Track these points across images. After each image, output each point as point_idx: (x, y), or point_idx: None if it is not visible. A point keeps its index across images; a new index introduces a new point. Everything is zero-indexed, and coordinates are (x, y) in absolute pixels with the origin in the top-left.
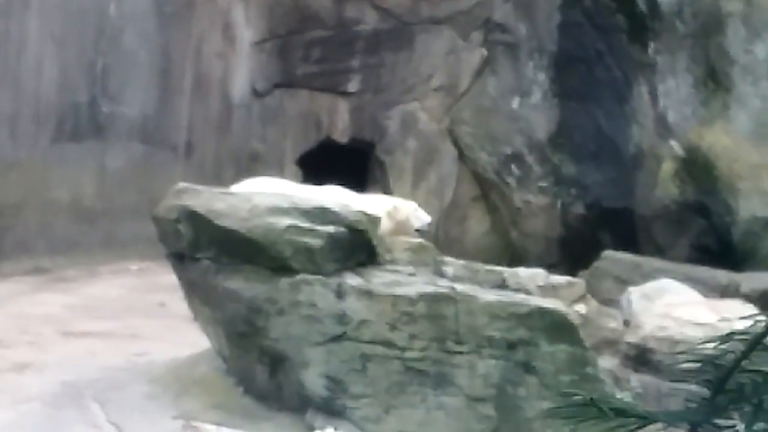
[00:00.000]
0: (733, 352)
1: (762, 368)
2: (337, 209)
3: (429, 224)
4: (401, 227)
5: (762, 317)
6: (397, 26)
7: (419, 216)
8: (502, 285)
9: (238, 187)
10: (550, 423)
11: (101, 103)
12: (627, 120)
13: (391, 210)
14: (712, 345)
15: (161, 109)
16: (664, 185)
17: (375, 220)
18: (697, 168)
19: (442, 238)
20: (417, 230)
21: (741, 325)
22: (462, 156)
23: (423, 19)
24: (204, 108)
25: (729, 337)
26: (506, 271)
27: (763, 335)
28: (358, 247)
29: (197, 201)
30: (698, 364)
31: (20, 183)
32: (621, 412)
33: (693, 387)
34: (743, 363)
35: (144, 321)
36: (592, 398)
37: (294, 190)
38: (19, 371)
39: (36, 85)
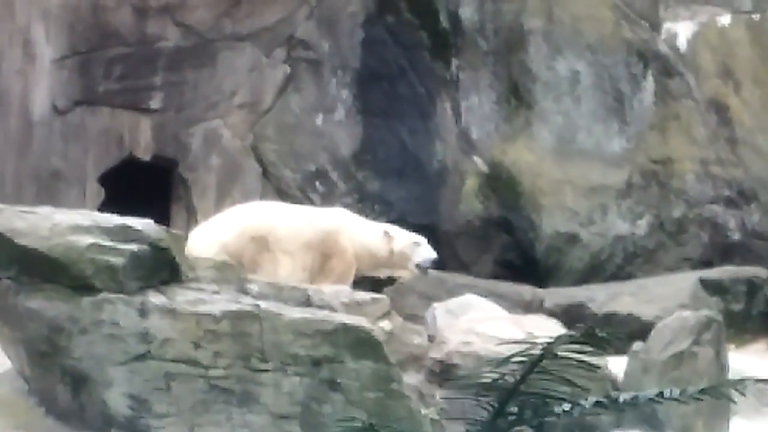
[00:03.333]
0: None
1: (542, 390)
2: (139, 227)
3: (433, 261)
4: (398, 259)
5: (542, 340)
6: (199, 43)
7: (421, 252)
8: (307, 302)
9: (228, 212)
10: None
11: None
12: (431, 136)
13: (384, 237)
14: (491, 368)
15: None
16: (468, 201)
17: (178, 238)
18: (501, 184)
19: None
20: (417, 266)
21: (544, 340)
22: (266, 173)
23: (226, 36)
24: (3, 126)
25: (508, 359)
26: (310, 288)
27: (540, 359)
28: (161, 265)
29: None
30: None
31: None
32: None
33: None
34: (523, 386)
35: None
36: (371, 424)
37: (290, 212)
38: None
39: None
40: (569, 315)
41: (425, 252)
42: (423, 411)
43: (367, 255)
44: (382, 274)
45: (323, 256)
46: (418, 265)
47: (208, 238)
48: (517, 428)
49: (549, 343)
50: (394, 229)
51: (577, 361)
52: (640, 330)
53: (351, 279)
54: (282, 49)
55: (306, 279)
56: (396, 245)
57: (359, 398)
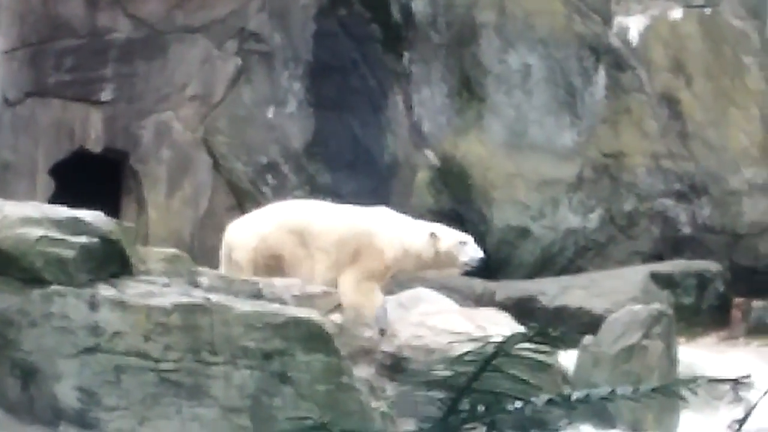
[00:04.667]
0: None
1: (494, 388)
2: (89, 220)
3: (481, 260)
4: (445, 259)
5: (495, 338)
6: (151, 35)
7: (467, 251)
8: (258, 295)
9: (268, 207)
10: None
11: None
12: (382, 129)
13: (430, 239)
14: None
15: None
16: (420, 194)
17: (128, 231)
18: (452, 177)
19: (197, 248)
20: (465, 264)
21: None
22: (217, 165)
23: (177, 28)
24: None
25: (460, 357)
26: (261, 281)
27: (493, 357)
28: (111, 257)
29: None
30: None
31: None
32: None
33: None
34: (475, 383)
35: None
36: (322, 422)
37: (328, 210)
38: None
39: None
40: (520, 308)
41: (472, 251)
42: (374, 404)
43: (413, 257)
44: (429, 275)
45: (357, 254)
46: (465, 264)
47: (247, 230)
48: (469, 425)
49: (502, 342)
50: (441, 229)
51: (529, 359)
52: (591, 323)
53: (381, 281)
54: (234, 41)
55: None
56: (442, 245)
57: (310, 391)
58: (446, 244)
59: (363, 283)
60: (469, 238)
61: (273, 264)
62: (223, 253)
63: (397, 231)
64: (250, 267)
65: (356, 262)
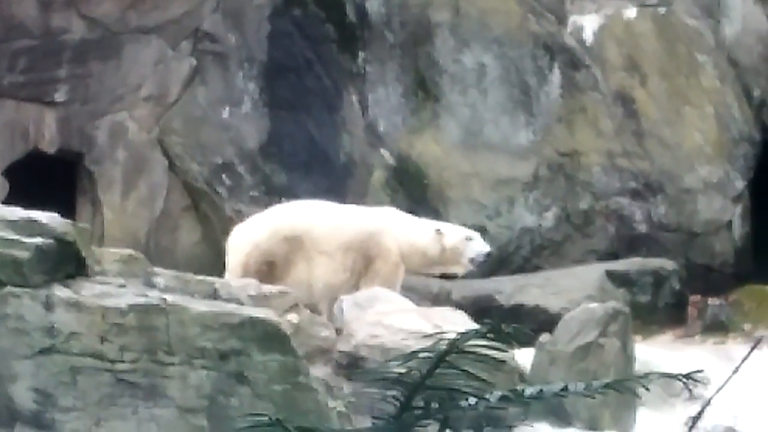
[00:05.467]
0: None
1: (448, 385)
2: (44, 221)
3: (487, 255)
4: (451, 255)
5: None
6: (105, 36)
7: (474, 246)
8: (214, 295)
9: (268, 211)
10: None
11: None
12: (337, 129)
13: (436, 236)
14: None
15: None
16: (375, 194)
17: (84, 231)
18: (408, 177)
19: (153, 249)
20: (472, 260)
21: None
22: (172, 166)
23: (131, 29)
24: None
25: (414, 354)
26: (217, 281)
27: (446, 353)
28: (66, 258)
29: None
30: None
31: None
32: (307, 431)
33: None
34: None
35: None
36: (278, 419)
37: (332, 212)
38: None
39: None
40: (477, 307)
41: (478, 246)
42: (330, 403)
43: (418, 255)
44: (436, 272)
45: (366, 258)
46: (471, 260)
47: (242, 235)
48: (423, 422)
49: (455, 339)
50: (446, 226)
51: (482, 355)
52: (547, 322)
53: (398, 281)
54: (188, 41)
55: (348, 281)
56: (447, 242)
57: (266, 391)
58: (452, 241)
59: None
60: (475, 234)
61: (264, 270)
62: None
63: (403, 229)
64: (239, 271)
65: (371, 270)
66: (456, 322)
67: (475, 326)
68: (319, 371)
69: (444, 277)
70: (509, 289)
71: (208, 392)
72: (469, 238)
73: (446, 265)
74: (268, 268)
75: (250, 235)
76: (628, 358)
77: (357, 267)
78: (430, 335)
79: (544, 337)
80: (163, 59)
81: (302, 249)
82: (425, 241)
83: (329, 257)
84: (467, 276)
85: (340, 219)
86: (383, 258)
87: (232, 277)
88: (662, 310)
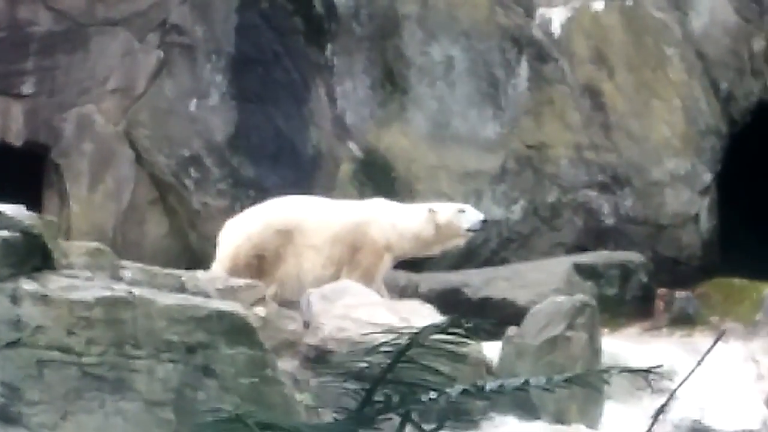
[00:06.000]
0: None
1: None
2: (11, 213)
3: (484, 222)
4: (447, 231)
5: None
6: (71, 28)
7: (467, 217)
8: (181, 288)
9: (262, 205)
10: None
11: None
12: (305, 122)
13: (428, 215)
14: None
15: None
16: (343, 187)
17: (50, 224)
18: (376, 169)
19: (120, 242)
20: (469, 231)
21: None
22: (139, 159)
23: (98, 21)
24: None
25: (376, 348)
26: (185, 274)
27: (406, 348)
28: (33, 251)
29: None
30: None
31: None
32: (267, 426)
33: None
34: (390, 374)
35: None
36: (237, 414)
37: (321, 206)
38: None
39: None
40: (444, 300)
41: (472, 216)
42: (298, 397)
43: (413, 239)
44: (436, 251)
45: (353, 249)
46: (468, 231)
47: (235, 228)
48: (384, 416)
49: (415, 334)
50: (436, 205)
51: (444, 350)
52: (515, 315)
53: (379, 272)
54: (155, 34)
55: (335, 274)
56: (441, 218)
57: (234, 384)
58: (445, 216)
59: (363, 279)
60: (466, 206)
61: (254, 263)
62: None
63: (390, 218)
64: (227, 263)
65: (353, 261)
66: (423, 315)
67: (443, 319)
68: (287, 364)
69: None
70: (477, 282)
71: (175, 385)
72: (461, 211)
73: (444, 241)
74: (258, 262)
75: (242, 228)
76: (595, 351)
77: (344, 259)
78: (395, 330)
79: (511, 330)
80: (130, 51)
81: (293, 243)
82: (418, 224)
83: (318, 251)
84: (434, 268)
85: (329, 212)
86: (367, 248)
87: (220, 269)
88: (629, 302)
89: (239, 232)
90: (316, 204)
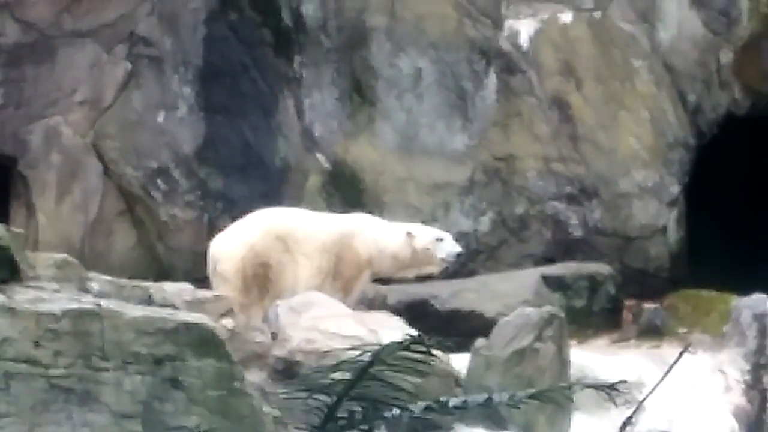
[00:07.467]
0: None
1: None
2: None
3: (458, 256)
4: (422, 257)
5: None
6: (39, 39)
7: (444, 247)
8: (149, 300)
9: (251, 216)
10: None
11: None
12: (273, 134)
13: (406, 238)
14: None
15: None
16: (311, 199)
17: (17, 236)
18: (344, 181)
19: (88, 254)
20: (443, 260)
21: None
22: (107, 171)
23: (66, 33)
24: None
25: (340, 365)
26: (152, 286)
27: (370, 364)
28: (0, 263)
29: None
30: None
31: None
32: None
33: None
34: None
35: None
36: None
37: (309, 216)
38: None
39: None
40: (412, 312)
41: (448, 246)
42: (265, 409)
43: (390, 259)
44: (411, 274)
45: (338, 259)
46: (442, 261)
47: (233, 240)
48: None
49: (378, 351)
50: (417, 228)
51: (407, 366)
52: (483, 326)
53: (358, 286)
54: (123, 45)
55: (322, 283)
56: (418, 244)
57: (201, 397)
58: (422, 242)
59: (343, 291)
60: (446, 235)
61: (261, 273)
62: (209, 268)
63: (374, 234)
64: (238, 277)
65: (335, 271)
66: (392, 327)
67: (411, 331)
68: (255, 376)
69: (420, 279)
70: (445, 294)
71: (142, 398)
72: (439, 239)
73: (419, 266)
74: (264, 272)
75: (241, 239)
76: (563, 362)
77: (331, 270)
78: (362, 345)
79: (479, 342)
80: (97, 63)
81: (289, 251)
82: (396, 245)
83: (309, 260)
84: (403, 281)
85: (316, 223)
86: (349, 260)
87: (229, 290)
88: (598, 314)
89: (239, 244)
90: (302, 214)
